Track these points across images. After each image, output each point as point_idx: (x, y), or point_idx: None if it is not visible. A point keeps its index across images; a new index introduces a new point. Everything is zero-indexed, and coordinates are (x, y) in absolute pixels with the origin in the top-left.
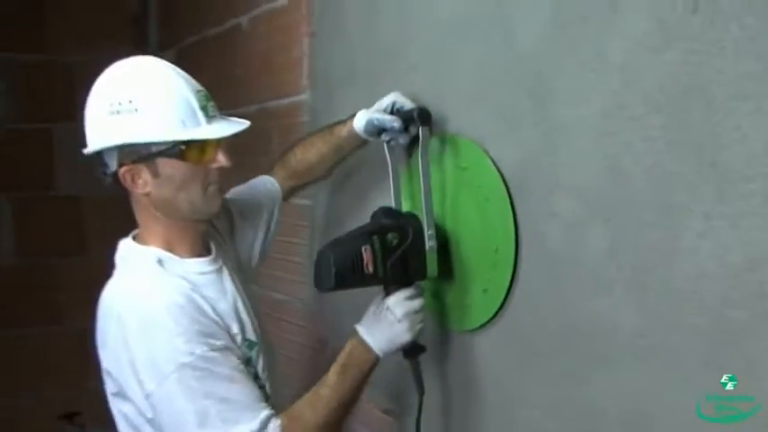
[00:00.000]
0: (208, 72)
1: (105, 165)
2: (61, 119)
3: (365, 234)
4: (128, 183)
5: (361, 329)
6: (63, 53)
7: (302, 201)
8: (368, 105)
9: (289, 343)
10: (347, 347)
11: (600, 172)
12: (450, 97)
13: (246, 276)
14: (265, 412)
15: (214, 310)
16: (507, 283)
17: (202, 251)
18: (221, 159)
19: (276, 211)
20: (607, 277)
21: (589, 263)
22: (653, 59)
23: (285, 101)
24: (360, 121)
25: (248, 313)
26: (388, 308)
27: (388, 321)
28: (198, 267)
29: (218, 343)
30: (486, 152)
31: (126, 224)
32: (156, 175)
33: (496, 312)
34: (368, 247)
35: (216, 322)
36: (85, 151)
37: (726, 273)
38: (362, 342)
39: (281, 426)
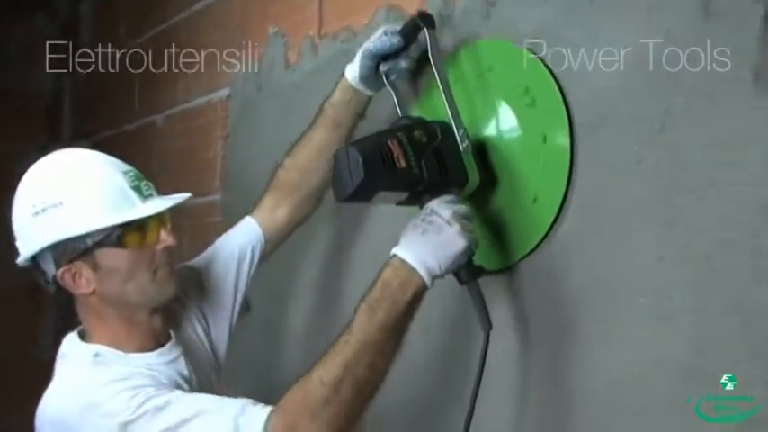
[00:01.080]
0: None
1: (43, 272)
2: None
3: (388, 131)
4: (69, 284)
5: (398, 249)
6: None
7: None
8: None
9: None
10: (379, 280)
11: None
12: None
13: (218, 374)
14: (241, 400)
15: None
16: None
17: (156, 345)
18: (166, 239)
19: (252, 262)
20: None
21: None
22: None
23: (199, 200)
24: (352, 67)
25: None
26: (431, 210)
27: (434, 227)
28: (143, 361)
29: (153, 386)
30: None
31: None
32: (96, 269)
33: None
34: (394, 140)
35: (152, 376)
36: (19, 262)
37: None
38: (401, 265)
39: (273, 409)
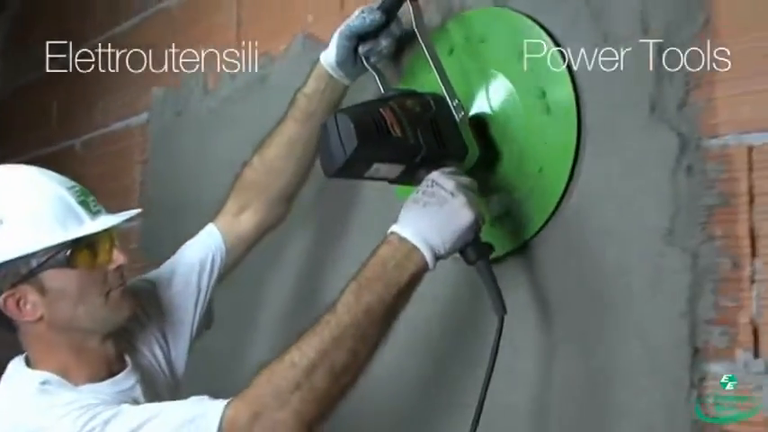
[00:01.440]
0: None
1: None
2: None
3: (378, 99)
4: (12, 311)
5: (397, 226)
6: None
7: None
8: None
9: None
10: (374, 258)
11: None
12: None
13: (174, 394)
14: (195, 397)
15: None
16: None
17: (108, 373)
18: (118, 258)
19: (212, 274)
20: None
21: None
22: None
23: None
24: (328, 52)
25: None
26: (432, 182)
27: (436, 199)
28: (94, 392)
29: (101, 405)
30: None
31: None
32: (44, 292)
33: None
34: (387, 108)
35: (101, 399)
36: None
37: None
38: (400, 243)
39: (232, 399)
